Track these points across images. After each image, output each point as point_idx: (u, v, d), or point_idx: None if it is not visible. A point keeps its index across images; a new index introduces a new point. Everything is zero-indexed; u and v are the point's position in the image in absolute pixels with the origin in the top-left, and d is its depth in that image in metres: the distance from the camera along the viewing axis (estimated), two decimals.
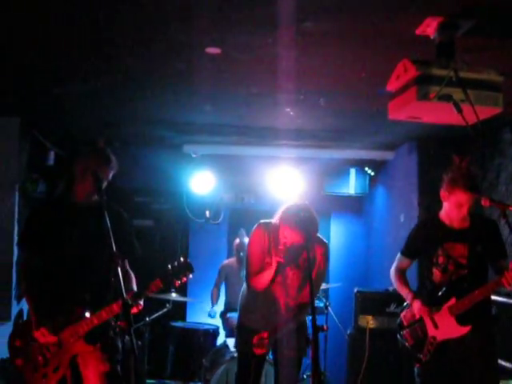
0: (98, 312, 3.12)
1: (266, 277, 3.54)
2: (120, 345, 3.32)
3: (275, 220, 3.59)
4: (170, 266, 3.15)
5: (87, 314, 3.14)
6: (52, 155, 5.74)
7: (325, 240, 3.72)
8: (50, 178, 5.58)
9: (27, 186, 5.26)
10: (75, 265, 3.22)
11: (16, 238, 4.94)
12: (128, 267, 3.44)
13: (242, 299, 3.83)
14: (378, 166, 6.70)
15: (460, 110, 2.59)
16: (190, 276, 3.19)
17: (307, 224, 3.33)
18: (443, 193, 3.70)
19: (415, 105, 2.67)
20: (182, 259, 3.16)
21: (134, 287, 3.36)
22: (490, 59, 3.09)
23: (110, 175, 3.30)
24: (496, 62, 2.84)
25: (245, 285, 3.78)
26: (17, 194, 5.01)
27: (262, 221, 3.68)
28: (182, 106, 4.60)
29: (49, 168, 5.68)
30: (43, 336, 3.13)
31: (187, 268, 3.16)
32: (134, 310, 3.15)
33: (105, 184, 3.23)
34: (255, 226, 3.68)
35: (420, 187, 5.56)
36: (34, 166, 5.38)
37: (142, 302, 3.19)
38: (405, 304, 3.94)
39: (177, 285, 3.20)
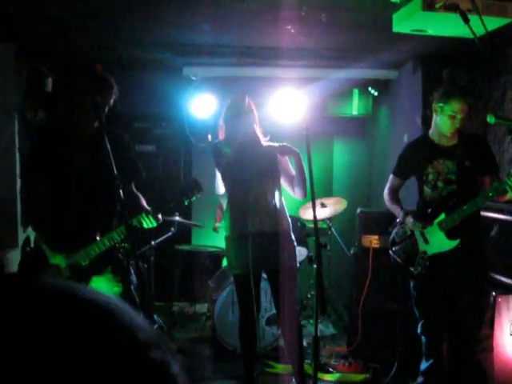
0: (108, 234, 3.17)
1: None
2: (131, 268, 3.38)
3: None
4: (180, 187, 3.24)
5: (98, 237, 3.19)
6: (50, 82, 5.64)
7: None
8: (48, 104, 5.50)
9: (26, 114, 5.20)
10: (82, 191, 3.23)
11: (18, 165, 4.92)
12: (135, 189, 3.46)
13: (226, 213, 3.87)
14: (382, 86, 6.58)
15: (467, 21, 2.51)
16: (199, 195, 3.27)
17: None
18: (436, 105, 3.67)
19: (420, 16, 2.58)
20: (189, 179, 3.22)
21: (146, 206, 3.38)
22: None
23: (112, 101, 3.26)
24: None
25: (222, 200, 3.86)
26: (16, 122, 4.95)
27: None
28: (181, 26, 4.47)
29: (47, 95, 5.59)
30: (59, 261, 3.17)
31: (196, 187, 3.23)
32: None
33: (106, 110, 3.19)
34: None
35: (424, 106, 5.48)
36: (32, 94, 5.29)
37: (160, 216, 3.25)
38: (397, 221, 4.00)
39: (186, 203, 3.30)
